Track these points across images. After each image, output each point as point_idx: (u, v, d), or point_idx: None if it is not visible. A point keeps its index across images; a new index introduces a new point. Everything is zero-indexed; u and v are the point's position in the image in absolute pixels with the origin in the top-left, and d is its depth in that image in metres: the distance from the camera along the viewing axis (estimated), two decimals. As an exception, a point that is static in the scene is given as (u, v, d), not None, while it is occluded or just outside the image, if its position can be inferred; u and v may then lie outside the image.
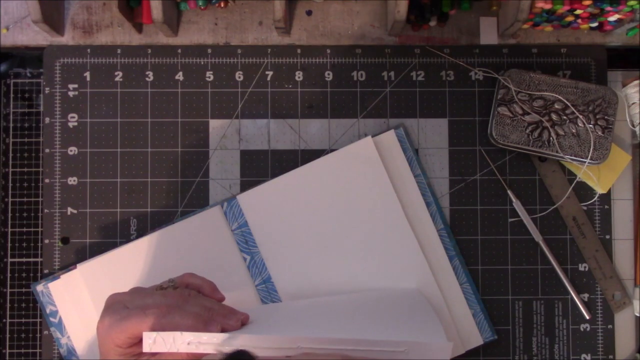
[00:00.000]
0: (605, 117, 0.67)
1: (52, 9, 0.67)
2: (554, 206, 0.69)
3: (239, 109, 0.70)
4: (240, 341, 0.47)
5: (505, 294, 0.68)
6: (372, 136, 0.68)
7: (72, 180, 0.69)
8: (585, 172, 0.68)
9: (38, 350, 0.68)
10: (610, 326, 0.68)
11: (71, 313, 0.67)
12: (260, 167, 0.69)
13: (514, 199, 0.68)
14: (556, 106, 0.67)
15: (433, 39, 0.71)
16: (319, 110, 0.70)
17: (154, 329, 0.48)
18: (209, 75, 0.70)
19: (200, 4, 0.69)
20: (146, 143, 0.69)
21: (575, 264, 0.69)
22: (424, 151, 0.70)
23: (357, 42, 0.71)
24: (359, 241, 0.67)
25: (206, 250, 0.66)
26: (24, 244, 0.70)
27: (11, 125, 0.70)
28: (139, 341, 0.49)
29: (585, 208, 0.69)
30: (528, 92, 0.67)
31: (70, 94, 0.69)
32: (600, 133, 0.67)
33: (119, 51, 0.70)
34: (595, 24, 0.69)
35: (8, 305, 0.69)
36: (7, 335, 0.69)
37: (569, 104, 0.67)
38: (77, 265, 0.66)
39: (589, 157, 0.66)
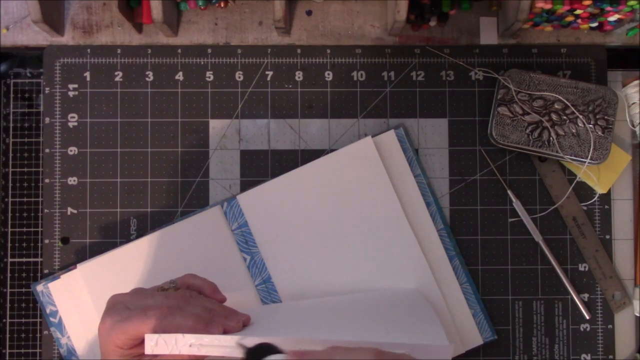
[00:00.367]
0: (605, 117, 0.67)
1: (52, 9, 0.67)
2: (554, 206, 0.69)
3: (239, 109, 0.70)
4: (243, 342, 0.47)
5: (505, 294, 0.69)
6: (372, 136, 0.68)
7: (72, 180, 0.69)
8: (585, 172, 0.68)
9: (38, 350, 0.68)
10: (610, 326, 0.68)
11: (71, 313, 0.67)
12: (260, 167, 0.69)
13: (514, 199, 0.68)
14: (556, 106, 0.67)
15: (433, 39, 0.71)
16: (319, 110, 0.70)
17: (155, 330, 0.48)
18: (209, 75, 0.70)
19: (200, 4, 0.68)
20: (146, 143, 0.69)
21: (575, 264, 0.69)
22: (424, 151, 0.70)
23: (357, 42, 0.71)
24: (359, 241, 0.67)
25: (206, 250, 0.66)
26: (24, 244, 0.70)
27: (11, 125, 0.70)
28: (140, 342, 0.49)
29: (585, 208, 0.69)
30: (528, 92, 0.67)
31: (70, 94, 0.69)
32: (600, 133, 0.67)
33: (119, 51, 0.70)
34: (595, 24, 0.69)
35: (8, 305, 0.69)
36: (7, 335, 0.69)
37: (569, 104, 0.67)
38: (77, 265, 0.66)
39: (589, 157, 0.66)
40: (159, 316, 0.49)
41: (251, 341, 0.46)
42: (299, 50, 0.70)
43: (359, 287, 0.66)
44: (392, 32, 0.69)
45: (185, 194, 0.69)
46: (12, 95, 0.70)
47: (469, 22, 0.71)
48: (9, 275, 0.69)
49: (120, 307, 0.51)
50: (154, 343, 0.47)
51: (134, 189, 0.69)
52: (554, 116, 0.67)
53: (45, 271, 0.68)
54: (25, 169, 0.70)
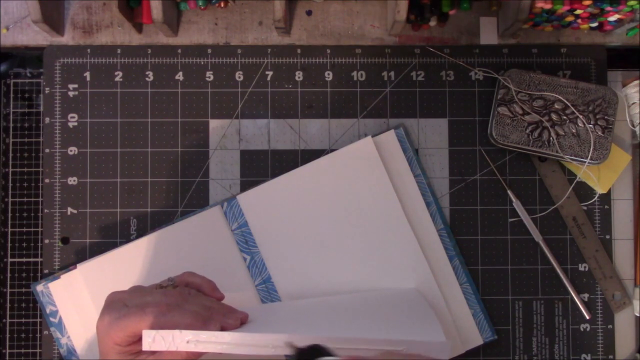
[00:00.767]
0: (605, 117, 0.67)
1: (52, 9, 0.67)
2: (554, 206, 0.69)
3: (239, 109, 0.70)
4: (234, 338, 0.47)
5: (505, 294, 0.68)
6: (372, 136, 0.68)
7: (72, 180, 0.69)
8: (585, 172, 0.68)
9: (38, 350, 0.68)
10: (610, 326, 0.68)
11: (71, 313, 0.67)
12: (260, 167, 0.69)
13: (514, 199, 0.68)
14: (556, 106, 0.67)
15: (433, 39, 0.71)
16: (319, 110, 0.70)
17: (153, 327, 0.48)
18: (209, 75, 0.70)
19: (200, 4, 0.69)
20: (146, 143, 0.69)
21: (575, 264, 0.69)
22: (424, 151, 0.70)
23: (357, 42, 0.71)
24: (359, 241, 0.67)
25: (206, 250, 0.66)
26: (24, 244, 0.70)
27: (11, 125, 0.70)
28: (138, 339, 0.49)
29: (585, 208, 0.69)
30: (528, 92, 0.67)
31: (70, 94, 0.69)
32: (600, 133, 0.67)
33: (119, 51, 0.70)
34: (595, 24, 0.69)
35: (8, 305, 0.69)
36: (7, 335, 0.69)
37: (569, 104, 0.67)
38: (77, 265, 0.66)
39: (589, 157, 0.66)
40: (157, 313, 0.49)
41: (302, 341, 0.46)
42: (299, 50, 0.70)
43: (359, 287, 0.66)
44: (392, 32, 0.69)
45: (185, 194, 0.69)
46: (12, 95, 0.71)
47: (469, 22, 0.71)
48: (9, 275, 0.69)
49: (118, 305, 0.51)
50: (151, 339, 0.47)
51: (134, 189, 0.69)
52: (554, 116, 0.67)
53: (45, 271, 0.68)
54: (25, 169, 0.70)
